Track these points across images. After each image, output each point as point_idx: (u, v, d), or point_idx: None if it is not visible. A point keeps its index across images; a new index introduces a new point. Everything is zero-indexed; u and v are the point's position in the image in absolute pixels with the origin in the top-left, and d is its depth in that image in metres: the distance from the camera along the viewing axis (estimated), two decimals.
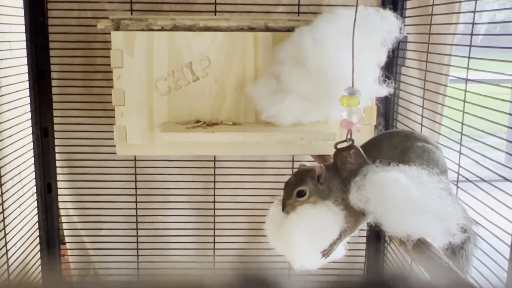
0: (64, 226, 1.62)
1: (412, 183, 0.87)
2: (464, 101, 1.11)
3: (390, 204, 0.85)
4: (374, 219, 0.89)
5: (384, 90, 1.11)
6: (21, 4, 1.39)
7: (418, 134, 1.06)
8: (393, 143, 1.00)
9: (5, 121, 1.35)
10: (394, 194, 0.85)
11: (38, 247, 1.53)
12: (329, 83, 1.04)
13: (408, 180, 0.87)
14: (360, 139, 1.01)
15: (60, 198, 1.54)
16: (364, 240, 1.63)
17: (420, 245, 0.81)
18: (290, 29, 1.16)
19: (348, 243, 1.64)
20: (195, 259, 1.64)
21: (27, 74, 1.42)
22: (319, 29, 1.08)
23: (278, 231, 0.96)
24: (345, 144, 0.96)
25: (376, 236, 1.60)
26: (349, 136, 0.95)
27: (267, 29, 1.20)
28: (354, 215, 0.93)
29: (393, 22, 1.08)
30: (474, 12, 1.08)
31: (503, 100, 1.03)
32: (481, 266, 1.00)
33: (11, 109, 1.37)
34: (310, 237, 0.93)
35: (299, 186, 0.94)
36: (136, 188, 1.55)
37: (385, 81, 1.12)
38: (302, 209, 0.94)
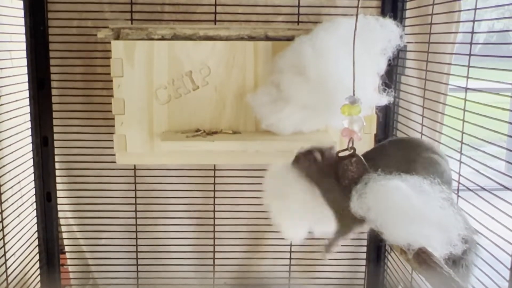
0: (64, 235, 1.62)
1: (414, 192, 0.87)
2: (464, 110, 1.11)
3: (391, 212, 0.85)
4: (375, 228, 0.89)
5: (384, 99, 1.12)
6: (22, 13, 1.39)
7: (426, 144, 1.03)
8: (400, 152, 0.99)
9: (5, 130, 1.35)
10: (395, 202, 0.85)
11: (37, 256, 1.52)
12: (329, 91, 1.04)
13: (409, 189, 0.87)
14: (360, 148, 1.00)
15: (59, 207, 1.54)
16: (364, 249, 1.62)
17: (421, 254, 0.81)
18: (290, 38, 1.17)
19: (348, 252, 1.64)
20: (195, 268, 1.64)
21: (27, 83, 1.43)
22: (319, 38, 1.09)
23: (278, 195, 0.96)
24: (346, 153, 0.96)
25: (376, 245, 1.60)
26: (350, 145, 0.95)
27: (267, 38, 1.20)
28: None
29: (393, 31, 1.08)
30: (474, 21, 1.08)
31: (503, 108, 1.03)
32: (482, 275, 1.00)
33: (11, 118, 1.37)
34: (305, 209, 0.93)
35: (316, 153, 0.96)
36: (136, 197, 1.54)
37: (385, 89, 1.12)
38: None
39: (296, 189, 0.97)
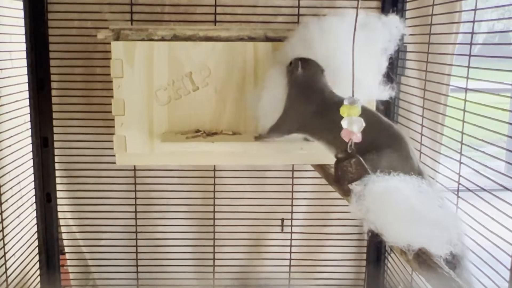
0: (64, 236, 1.61)
1: (413, 192, 0.87)
2: (464, 111, 1.11)
3: (391, 213, 0.85)
4: (374, 229, 0.89)
5: (385, 94, 1.12)
6: (22, 14, 1.39)
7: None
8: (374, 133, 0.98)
9: (5, 131, 1.35)
10: (395, 203, 0.85)
11: (37, 257, 1.52)
12: (333, 75, 1.04)
13: (408, 189, 0.87)
14: None
15: (59, 208, 1.54)
16: (364, 250, 1.62)
17: (421, 254, 0.80)
18: None
19: (349, 253, 1.64)
20: (195, 269, 1.64)
21: (27, 84, 1.43)
22: (326, 21, 1.09)
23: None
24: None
25: (376, 246, 1.59)
26: (350, 145, 0.94)
27: (267, 38, 1.20)
28: None
29: (395, 26, 1.08)
30: (473, 21, 1.08)
31: (502, 109, 1.03)
32: (482, 276, 1.00)
33: (11, 119, 1.37)
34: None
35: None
36: (135, 198, 1.54)
37: (387, 84, 1.12)
38: None
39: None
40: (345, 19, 1.08)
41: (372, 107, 1.19)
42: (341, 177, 0.95)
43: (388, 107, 1.44)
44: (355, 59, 0.90)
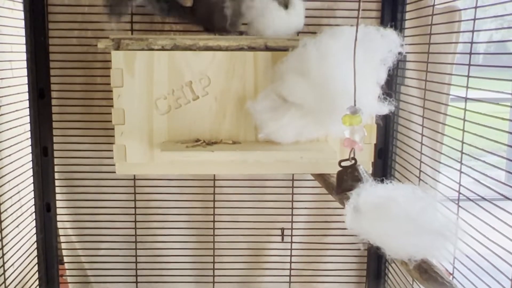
0: (63, 246, 1.61)
1: (409, 200, 0.86)
2: (464, 120, 1.11)
3: (390, 227, 0.84)
4: (373, 243, 0.88)
5: (385, 108, 1.12)
6: (22, 24, 1.40)
7: None
8: None
9: (4, 140, 1.35)
10: (393, 216, 0.84)
11: (36, 267, 1.52)
12: (331, 97, 1.04)
13: (404, 198, 0.86)
14: (361, 158, 1.01)
15: (58, 218, 1.53)
16: (365, 259, 1.62)
17: (422, 264, 0.80)
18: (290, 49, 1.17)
19: (349, 263, 1.64)
20: (194, 279, 1.63)
21: (27, 93, 1.43)
22: (323, 42, 1.08)
23: None
24: (348, 163, 0.96)
25: (376, 255, 1.59)
26: (352, 155, 0.95)
27: (267, 48, 1.20)
28: None
29: (393, 41, 1.09)
30: (473, 31, 1.09)
31: (502, 118, 1.03)
32: (483, 285, 0.99)
33: (11, 128, 1.37)
34: None
35: None
36: (135, 208, 1.54)
37: (386, 99, 1.12)
38: None
39: None
40: (341, 39, 1.08)
41: (372, 121, 1.19)
42: (337, 184, 0.96)
43: (388, 116, 1.44)
44: (356, 71, 0.90)
